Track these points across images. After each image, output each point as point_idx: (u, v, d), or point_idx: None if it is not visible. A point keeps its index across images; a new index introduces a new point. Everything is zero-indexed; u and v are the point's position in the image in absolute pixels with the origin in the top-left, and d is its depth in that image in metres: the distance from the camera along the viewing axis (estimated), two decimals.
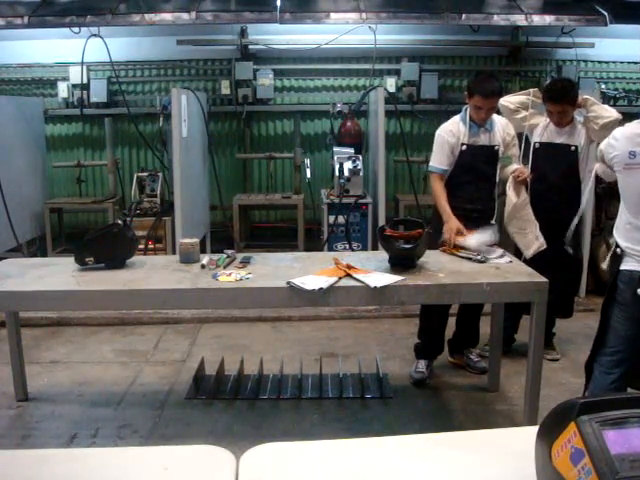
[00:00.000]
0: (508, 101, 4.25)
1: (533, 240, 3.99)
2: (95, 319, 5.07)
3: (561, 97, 4.01)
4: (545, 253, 4.03)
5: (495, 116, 4.02)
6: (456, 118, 4.00)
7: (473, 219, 3.79)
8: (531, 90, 4.28)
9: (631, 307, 2.80)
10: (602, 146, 2.99)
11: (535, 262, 3.53)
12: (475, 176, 3.94)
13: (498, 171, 3.99)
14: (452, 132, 3.93)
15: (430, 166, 4.05)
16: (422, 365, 4.14)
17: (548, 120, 4.15)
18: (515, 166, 3.98)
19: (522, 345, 4.21)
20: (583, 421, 0.96)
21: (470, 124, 3.91)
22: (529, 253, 3.96)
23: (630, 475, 0.89)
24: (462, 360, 4.32)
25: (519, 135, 4.32)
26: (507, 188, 3.97)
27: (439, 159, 3.95)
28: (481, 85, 3.89)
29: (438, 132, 4.01)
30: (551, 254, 4.04)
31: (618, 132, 2.91)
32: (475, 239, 3.56)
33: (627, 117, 3.71)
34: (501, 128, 4.00)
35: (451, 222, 3.75)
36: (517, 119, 4.22)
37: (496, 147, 3.95)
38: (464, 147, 3.91)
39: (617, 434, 0.95)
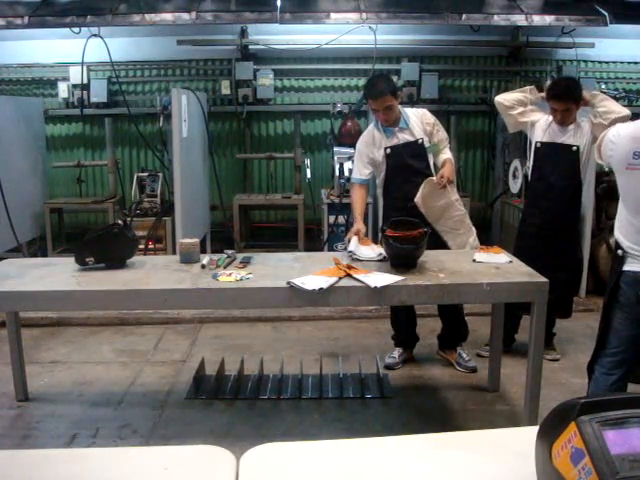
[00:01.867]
0: (503, 98, 4.26)
1: (466, 242, 4.13)
2: (95, 319, 5.07)
3: (566, 95, 3.99)
4: (545, 253, 4.03)
5: (408, 110, 4.10)
6: (370, 126, 4.13)
7: (417, 215, 3.82)
8: (528, 88, 4.26)
9: (634, 308, 2.79)
10: (602, 139, 2.91)
11: (535, 262, 3.53)
12: (408, 173, 4.01)
13: (431, 162, 4.07)
14: (366, 142, 4.07)
15: (352, 177, 4.26)
16: (396, 353, 4.38)
17: (550, 119, 4.13)
18: (445, 156, 4.07)
19: (522, 345, 4.21)
20: (583, 421, 0.96)
21: (384, 128, 3.99)
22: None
23: (630, 475, 0.89)
24: (453, 356, 4.36)
25: (518, 133, 4.31)
26: (421, 187, 3.95)
27: (358, 170, 4.12)
28: (369, 88, 4.01)
29: (357, 144, 4.16)
30: (551, 254, 4.04)
31: (621, 129, 2.84)
32: (365, 252, 3.62)
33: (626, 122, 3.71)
34: (418, 120, 4.05)
35: (356, 225, 3.92)
36: (513, 115, 4.21)
37: (419, 141, 4.01)
38: (388, 150, 4.00)
39: (617, 434, 0.95)
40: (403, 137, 4.00)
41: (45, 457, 1.31)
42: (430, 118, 4.10)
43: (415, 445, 1.32)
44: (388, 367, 4.27)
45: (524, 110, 4.20)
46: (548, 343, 4.26)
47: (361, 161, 4.09)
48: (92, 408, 3.76)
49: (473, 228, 4.23)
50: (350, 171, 5.83)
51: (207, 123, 6.44)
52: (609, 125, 3.80)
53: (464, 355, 4.33)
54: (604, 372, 2.94)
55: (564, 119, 4.05)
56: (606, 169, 3.10)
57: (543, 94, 4.18)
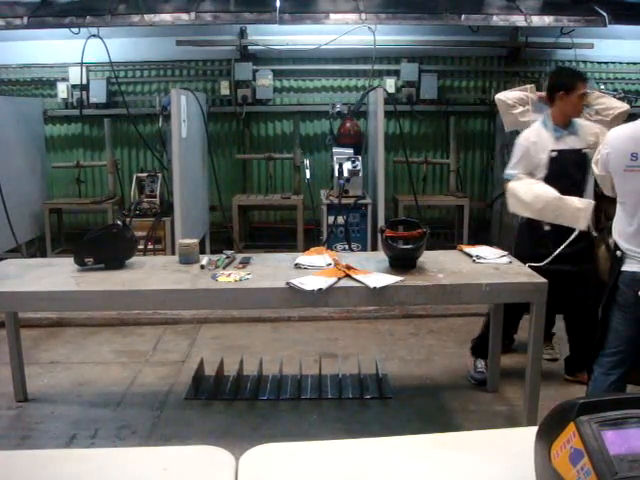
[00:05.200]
0: (505, 96, 4.18)
1: (575, 212, 3.54)
2: (94, 319, 5.06)
3: (584, 76, 3.86)
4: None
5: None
6: (537, 124, 3.82)
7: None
8: (528, 86, 4.21)
9: (632, 308, 2.79)
10: (599, 152, 2.90)
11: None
12: (567, 184, 3.63)
13: (592, 178, 3.55)
14: (531, 138, 3.76)
15: (506, 173, 3.85)
16: (482, 364, 4.09)
17: (549, 128, 3.92)
18: None
19: (522, 345, 4.21)
20: (582, 421, 0.96)
21: (554, 127, 3.71)
22: (582, 225, 3.53)
23: (629, 475, 0.89)
24: (584, 377, 3.70)
25: (516, 133, 4.29)
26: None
27: (514, 164, 3.80)
28: (578, 73, 3.79)
29: (519, 138, 3.84)
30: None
31: (616, 131, 2.86)
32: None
33: (625, 118, 3.71)
34: (586, 127, 3.75)
35: (577, 201, 3.48)
36: (514, 114, 4.16)
37: (584, 150, 3.67)
38: (554, 153, 3.70)
39: (616, 434, 0.95)
40: (571, 142, 3.70)
41: (44, 458, 1.31)
42: (593, 128, 3.75)
43: (414, 445, 1.32)
44: (480, 382, 4.03)
45: (524, 110, 4.17)
46: (547, 343, 4.26)
47: (520, 156, 3.75)
48: (91, 408, 3.76)
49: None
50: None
51: (206, 123, 6.44)
52: (611, 121, 3.77)
53: (478, 364, 4.11)
54: (603, 372, 2.95)
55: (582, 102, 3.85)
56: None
57: (542, 93, 4.15)
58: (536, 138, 3.74)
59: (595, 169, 3.00)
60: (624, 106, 3.87)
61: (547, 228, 3.67)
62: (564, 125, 3.74)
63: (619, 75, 7.25)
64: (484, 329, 4.12)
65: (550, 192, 3.51)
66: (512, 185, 3.74)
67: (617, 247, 2.83)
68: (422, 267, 3.33)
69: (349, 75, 7.19)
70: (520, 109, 4.16)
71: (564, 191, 3.56)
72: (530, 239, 3.80)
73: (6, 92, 7.10)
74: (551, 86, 3.76)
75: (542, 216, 3.62)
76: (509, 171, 3.81)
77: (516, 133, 4.07)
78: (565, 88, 3.65)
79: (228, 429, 3.51)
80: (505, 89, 6.96)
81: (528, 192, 3.62)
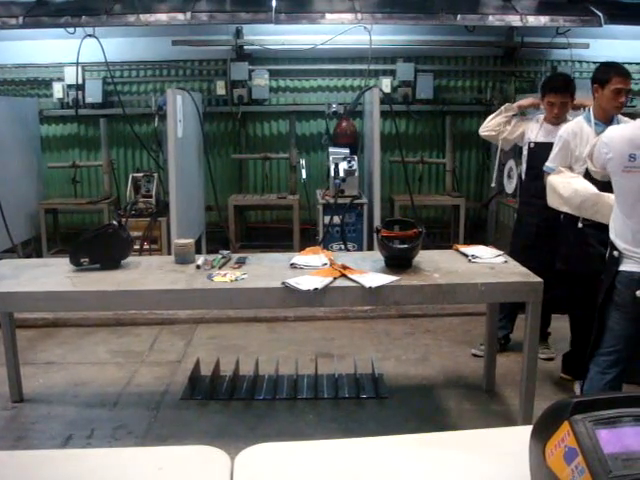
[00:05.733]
0: (487, 130, 4.34)
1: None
2: (90, 320, 5.06)
3: (564, 87, 4.05)
4: (543, 251, 4.01)
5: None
6: (580, 117, 3.78)
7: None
8: (502, 108, 4.35)
9: (630, 308, 2.79)
10: (594, 148, 2.94)
11: (533, 260, 3.50)
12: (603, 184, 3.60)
13: None
14: (574, 132, 3.70)
15: (546, 166, 3.83)
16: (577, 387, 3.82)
17: (541, 120, 4.17)
18: None
19: (517, 344, 4.22)
20: (576, 420, 0.97)
21: (595, 122, 3.65)
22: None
23: (623, 474, 0.90)
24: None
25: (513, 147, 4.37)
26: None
27: (555, 158, 3.78)
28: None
29: (561, 132, 3.79)
30: (549, 252, 3.99)
31: (615, 132, 2.86)
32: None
33: None
34: None
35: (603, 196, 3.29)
36: (504, 137, 4.27)
37: None
38: None
39: (610, 433, 0.95)
40: None
41: (40, 458, 1.32)
42: None
43: (410, 445, 1.33)
44: None
45: (511, 128, 4.25)
46: (543, 342, 4.27)
47: (559, 149, 3.72)
48: (87, 409, 3.76)
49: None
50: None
51: (202, 123, 6.44)
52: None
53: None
54: (599, 371, 2.95)
55: (560, 112, 4.06)
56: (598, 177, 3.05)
57: (524, 101, 4.27)
58: (578, 131, 3.67)
59: (590, 165, 3.01)
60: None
61: (580, 225, 3.59)
62: (605, 120, 3.67)
63: None
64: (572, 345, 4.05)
65: (589, 187, 3.41)
66: (551, 179, 3.67)
67: (614, 247, 2.83)
68: (418, 267, 3.34)
69: (345, 75, 7.19)
70: (507, 131, 4.24)
71: (603, 187, 3.57)
72: (573, 237, 3.70)
73: (1, 92, 7.08)
74: (591, 80, 3.70)
75: (580, 212, 3.53)
76: (549, 164, 3.77)
77: (515, 146, 4.17)
78: (599, 82, 3.59)
79: (224, 429, 3.51)
80: (501, 89, 7.07)
81: (567, 187, 3.54)
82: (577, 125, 3.71)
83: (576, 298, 3.78)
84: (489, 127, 4.30)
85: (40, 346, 4.73)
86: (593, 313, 2.98)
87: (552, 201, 3.70)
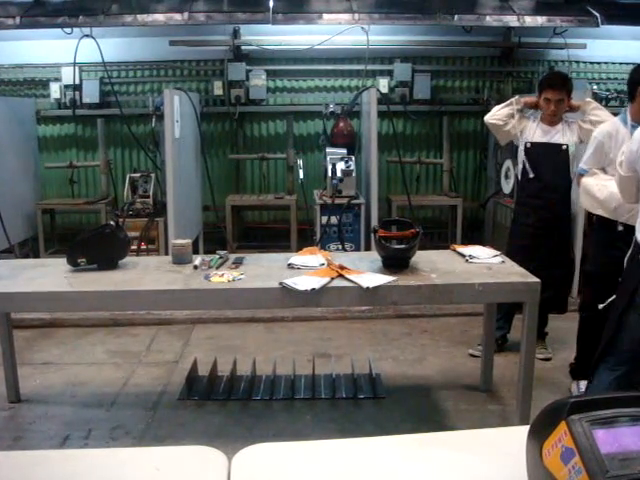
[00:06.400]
0: (495, 118, 4.25)
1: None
2: (88, 320, 5.05)
3: (561, 84, 4.05)
4: (540, 251, 4.05)
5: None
6: (616, 118, 3.61)
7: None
8: (513, 99, 4.31)
9: None
10: (625, 154, 2.81)
11: (530, 260, 3.53)
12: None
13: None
14: (609, 133, 3.54)
15: (579, 168, 3.72)
16: (583, 385, 3.77)
17: (537, 121, 4.18)
18: None
19: (515, 344, 4.22)
20: (573, 420, 0.97)
21: (631, 124, 3.42)
22: None
23: (620, 474, 0.90)
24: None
25: (510, 143, 4.36)
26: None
27: (588, 160, 3.66)
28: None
29: (596, 133, 3.65)
30: (546, 252, 4.05)
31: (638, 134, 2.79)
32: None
33: None
34: None
35: None
36: (507, 130, 4.25)
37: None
38: None
39: (607, 433, 0.95)
40: None
41: (37, 458, 1.31)
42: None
43: (407, 445, 1.33)
44: None
45: (514, 122, 4.24)
46: (540, 342, 4.28)
47: (593, 150, 3.57)
48: (84, 409, 3.75)
49: None
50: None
51: (199, 124, 6.43)
52: None
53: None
54: (608, 368, 2.93)
55: (557, 110, 4.07)
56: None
57: (529, 98, 4.25)
58: (613, 133, 3.50)
59: (620, 170, 2.92)
60: None
61: (620, 229, 3.45)
62: None
63: (612, 75, 7.27)
64: (579, 350, 3.96)
65: None
66: (585, 181, 3.58)
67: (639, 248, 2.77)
68: (415, 267, 3.34)
69: (342, 75, 7.19)
70: (511, 124, 4.22)
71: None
72: (605, 240, 3.60)
73: None
74: (631, 81, 3.47)
75: (616, 215, 3.44)
76: (582, 165, 3.65)
77: (510, 143, 4.15)
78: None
79: (222, 429, 3.51)
80: (498, 89, 7.07)
81: (602, 189, 3.45)
82: (612, 126, 3.54)
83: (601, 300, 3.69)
84: (498, 116, 4.22)
85: (37, 346, 4.73)
86: (605, 314, 2.93)
87: (586, 203, 3.63)
